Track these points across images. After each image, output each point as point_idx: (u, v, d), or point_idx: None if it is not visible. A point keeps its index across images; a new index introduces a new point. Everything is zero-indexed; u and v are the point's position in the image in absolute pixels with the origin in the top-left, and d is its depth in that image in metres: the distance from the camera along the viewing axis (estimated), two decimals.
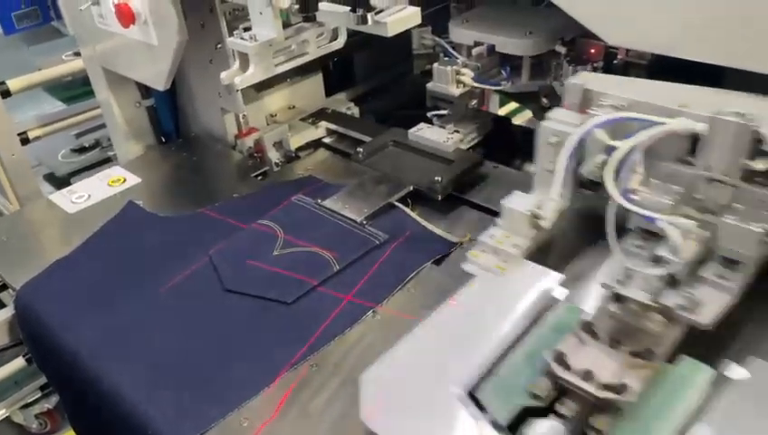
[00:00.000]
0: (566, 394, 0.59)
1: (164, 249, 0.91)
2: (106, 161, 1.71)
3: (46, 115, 1.64)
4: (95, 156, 1.81)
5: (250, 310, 0.79)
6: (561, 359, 0.60)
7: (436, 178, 0.93)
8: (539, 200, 0.76)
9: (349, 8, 0.79)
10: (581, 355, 0.60)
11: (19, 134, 1.48)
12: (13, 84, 1.43)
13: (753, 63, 0.65)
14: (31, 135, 1.52)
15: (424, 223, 0.90)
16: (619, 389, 0.57)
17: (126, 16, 0.98)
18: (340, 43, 0.98)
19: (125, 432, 0.71)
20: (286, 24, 0.88)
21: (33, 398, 1.40)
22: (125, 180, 1.12)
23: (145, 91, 1.23)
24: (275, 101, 1.23)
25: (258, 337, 0.76)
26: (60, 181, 1.73)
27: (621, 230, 0.69)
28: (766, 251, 0.65)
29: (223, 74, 0.90)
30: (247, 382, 0.70)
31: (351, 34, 0.99)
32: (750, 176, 0.64)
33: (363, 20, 0.78)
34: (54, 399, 1.49)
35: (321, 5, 0.83)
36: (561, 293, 0.71)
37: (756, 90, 0.67)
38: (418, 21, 0.80)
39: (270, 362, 0.72)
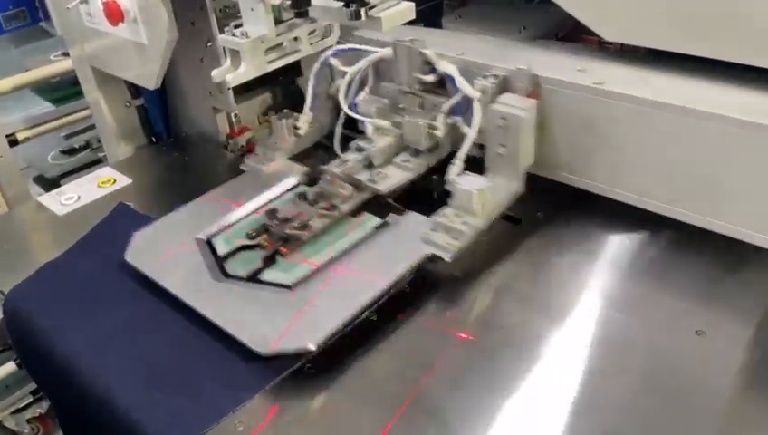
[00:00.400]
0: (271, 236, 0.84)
1: None
2: (96, 162, 1.70)
3: (35, 116, 1.63)
4: (85, 157, 1.79)
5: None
6: (272, 212, 0.86)
7: None
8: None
9: (342, 4, 0.78)
10: (288, 211, 0.87)
11: (7, 136, 1.47)
12: (0, 85, 1.41)
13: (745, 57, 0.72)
14: (20, 136, 1.51)
15: None
16: (300, 227, 0.84)
17: (114, 14, 0.97)
18: (334, 39, 0.97)
19: None
20: (278, 21, 0.87)
21: (25, 402, 1.39)
22: (115, 181, 1.11)
23: (135, 90, 1.22)
24: (268, 99, 1.23)
25: None
26: (50, 183, 1.72)
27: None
28: (433, 140, 0.92)
29: (214, 72, 0.89)
30: (242, 385, 0.70)
31: None
32: (428, 88, 0.93)
33: (357, 15, 0.77)
34: (46, 403, 1.47)
35: (314, 1, 0.82)
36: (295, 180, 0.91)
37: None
38: (412, 16, 0.80)
39: (266, 363, 0.71)
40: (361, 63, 0.97)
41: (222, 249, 0.85)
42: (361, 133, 0.99)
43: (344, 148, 1.00)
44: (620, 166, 0.82)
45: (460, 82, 0.87)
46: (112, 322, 0.79)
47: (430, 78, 0.91)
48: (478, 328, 0.75)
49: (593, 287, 0.79)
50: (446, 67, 0.89)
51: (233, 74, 0.87)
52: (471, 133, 0.86)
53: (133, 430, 0.67)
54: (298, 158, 1.06)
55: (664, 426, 0.62)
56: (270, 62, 0.91)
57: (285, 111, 1.07)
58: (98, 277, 0.87)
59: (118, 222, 0.98)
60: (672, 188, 0.79)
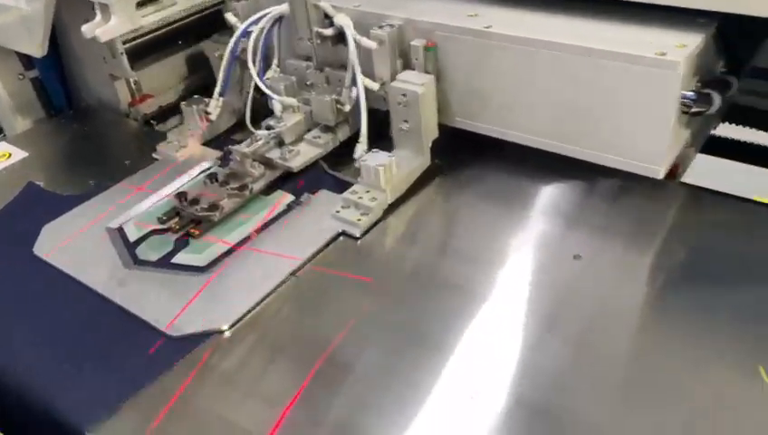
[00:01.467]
0: (182, 218, 0.86)
1: None
2: None
3: None
4: None
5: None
6: (181, 195, 0.88)
7: None
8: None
9: None
10: (198, 192, 0.88)
11: None
12: None
13: None
14: None
15: None
16: (210, 208, 0.85)
17: None
18: None
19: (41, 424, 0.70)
20: None
21: None
22: (10, 155, 1.07)
23: (27, 61, 1.16)
24: (181, 67, 1.20)
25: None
26: None
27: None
28: (342, 116, 0.94)
29: (84, 27, 0.86)
30: (158, 360, 0.70)
31: None
32: (331, 40, 0.91)
33: None
34: None
35: None
36: (210, 163, 0.95)
37: None
38: None
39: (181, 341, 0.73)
40: (264, 21, 0.95)
41: (133, 236, 0.85)
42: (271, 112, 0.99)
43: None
44: (510, 107, 0.85)
45: (354, 34, 0.87)
46: (28, 310, 0.79)
47: (329, 32, 0.90)
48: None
49: (483, 224, 0.84)
50: (342, 20, 0.88)
51: (102, 29, 0.84)
52: (362, 97, 0.88)
53: (50, 407, 0.67)
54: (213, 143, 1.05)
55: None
56: (144, 16, 0.89)
57: (196, 96, 1.05)
58: (8, 269, 0.85)
59: (25, 203, 0.95)
60: (557, 125, 0.82)
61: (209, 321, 0.73)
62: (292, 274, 0.78)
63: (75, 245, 0.85)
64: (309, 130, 0.97)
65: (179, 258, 0.82)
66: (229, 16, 0.99)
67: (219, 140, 1.05)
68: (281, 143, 0.95)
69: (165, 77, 1.18)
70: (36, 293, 0.80)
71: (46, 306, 0.78)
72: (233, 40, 0.97)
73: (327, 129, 0.96)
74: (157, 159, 1.02)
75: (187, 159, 1.00)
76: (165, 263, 0.81)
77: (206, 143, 1.04)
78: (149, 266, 0.81)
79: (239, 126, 1.07)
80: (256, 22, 0.96)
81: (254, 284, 0.77)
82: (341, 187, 0.89)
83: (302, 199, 0.89)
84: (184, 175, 0.93)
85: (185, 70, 1.20)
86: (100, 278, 0.80)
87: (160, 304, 0.75)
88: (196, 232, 0.84)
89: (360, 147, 0.89)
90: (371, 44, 0.86)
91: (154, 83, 1.16)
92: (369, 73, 0.88)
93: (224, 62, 0.99)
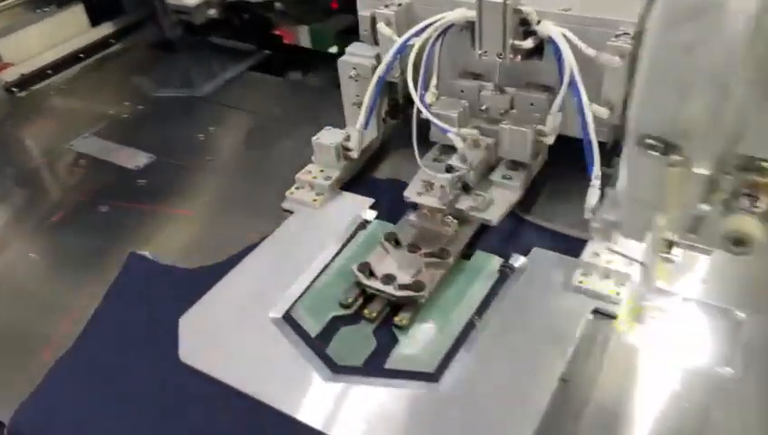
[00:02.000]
0: (373, 300, 0.65)
1: None
2: None
3: None
4: None
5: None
6: (365, 268, 0.66)
7: None
8: (348, 133, 0.81)
9: None
10: (385, 263, 0.68)
11: None
12: None
13: None
14: None
15: None
16: (416, 287, 0.64)
17: None
18: None
19: None
20: None
21: None
22: None
23: None
24: (33, 35, 1.15)
25: None
26: None
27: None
28: (538, 150, 0.75)
29: None
30: None
31: None
32: (524, 54, 0.68)
33: None
34: None
35: None
36: (370, 214, 0.77)
37: None
38: None
39: None
40: (428, 31, 0.71)
41: (311, 327, 0.64)
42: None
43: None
44: None
45: (580, 44, 0.64)
46: None
47: (528, 43, 0.67)
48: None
49: None
50: (551, 29, 0.65)
51: None
52: (590, 128, 0.65)
53: None
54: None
55: None
56: None
57: (327, 128, 0.82)
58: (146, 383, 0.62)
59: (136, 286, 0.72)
60: None
61: None
62: (562, 379, 0.58)
63: (233, 345, 0.63)
64: (492, 169, 0.77)
65: (396, 362, 0.60)
66: (383, 27, 0.76)
67: (360, 183, 0.84)
68: (464, 187, 0.74)
69: (28, 45, 1.14)
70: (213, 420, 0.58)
71: None
72: (388, 56, 0.74)
73: (516, 165, 0.76)
74: (288, 211, 0.80)
75: (327, 211, 0.79)
76: (376, 368, 0.60)
77: (344, 186, 0.83)
78: (354, 375, 0.59)
79: (375, 159, 0.87)
80: (418, 33, 0.74)
81: (514, 398, 0.57)
82: (542, 240, 0.71)
83: (513, 262, 0.69)
84: (341, 233, 0.74)
85: (47, 38, 1.16)
86: (292, 399, 0.58)
87: None
88: (405, 321, 0.63)
89: (594, 192, 0.68)
90: (613, 60, 0.65)
91: (15, 52, 1.13)
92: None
93: (371, 86, 0.76)
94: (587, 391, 0.57)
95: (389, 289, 0.64)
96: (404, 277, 0.65)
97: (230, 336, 0.64)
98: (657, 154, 0.47)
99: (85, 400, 0.60)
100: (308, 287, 0.68)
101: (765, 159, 0.46)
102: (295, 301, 0.67)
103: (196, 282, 0.69)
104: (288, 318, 0.65)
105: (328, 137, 0.81)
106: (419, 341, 0.62)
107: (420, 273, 0.66)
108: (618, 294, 0.64)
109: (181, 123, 1.01)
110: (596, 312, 0.63)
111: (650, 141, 0.47)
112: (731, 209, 0.47)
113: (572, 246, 0.69)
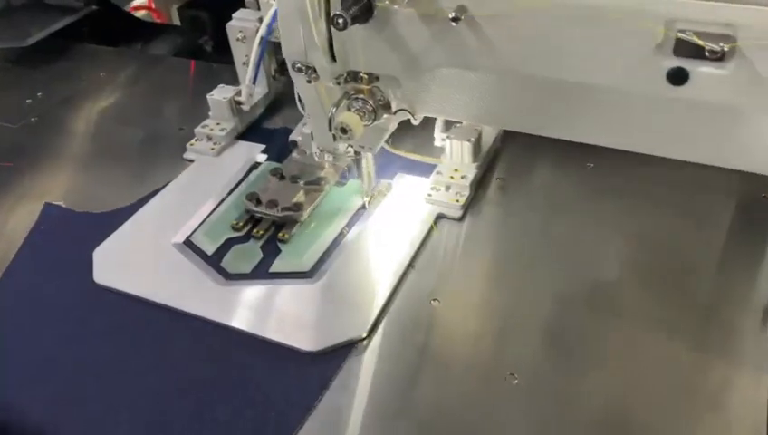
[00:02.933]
0: (260, 222, 0.79)
1: None
2: None
3: None
4: None
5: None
6: (252, 197, 0.79)
7: None
8: (239, 89, 0.93)
9: None
10: (269, 192, 0.80)
11: None
12: None
13: None
14: None
15: None
16: (295, 208, 0.78)
17: None
18: None
19: None
20: None
21: None
22: None
23: None
24: None
25: None
26: None
27: None
28: None
29: None
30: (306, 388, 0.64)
31: None
32: None
33: None
34: None
35: None
36: (261, 157, 0.90)
37: None
38: None
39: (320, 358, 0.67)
40: None
41: (208, 248, 0.76)
42: None
43: None
44: None
45: None
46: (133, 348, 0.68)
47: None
48: None
49: None
50: None
51: None
52: None
53: None
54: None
55: None
56: None
57: (221, 85, 0.95)
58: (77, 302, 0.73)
59: (52, 231, 0.83)
60: None
61: (344, 331, 0.66)
62: (410, 265, 0.73)
63: (142, 267, 0.75)
64: None
65: (278, 266, 0.74)
66: None
67: (254, 133, 0.97)
68: None
69: None
70: (127, 327, 0.70)
71: (151, 340, 0.69)
72: (267, 18, 0.85)
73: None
74: (190, 161, 0.92)
75: (224, 157, 0.92)
76: (262, 273, 0.73)
77: (240, 136, 0.95)
78: (244, 280, 0.73)
79: (269, 112, 1.00)
80: None
81: (371, 282, 0.71)
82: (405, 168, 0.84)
83: (380, 186, 0.83)
84: (235, 174, 0.87)
85: None
86: (193, 302, 0.71)
87: (284, 322, 0.68)
88: (286, 235, 0.77)
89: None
90: None
91: None
92: None
93: (255, 46, 0.88)
94: (429, 274, 0.72)
95: (273, 211, 0.78)
96: (285, 202, 0.79)
97: (138, 260, 0.76)
98: (302, 75, 0.64)
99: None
100: (206, 218, 0.80)
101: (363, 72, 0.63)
102: (195, 229, 0.79)
103: (108, 222, 0.81)
104: (188, 243, 0.77)
105: (221, 93, 0.93)
106: (299, 249, 0.76)
107: (300, 198, 0.80)
108: (457, 201, 0.78)
109: None
110: (440, 216, 0.78)
111: (297, 66, 0.64)
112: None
113: (426, 170, 0.83)
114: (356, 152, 0.75)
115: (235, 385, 0.63)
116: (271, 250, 0.76)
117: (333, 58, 0.62)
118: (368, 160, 0.77)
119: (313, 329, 0.67)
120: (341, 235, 0.77)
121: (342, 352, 0.65)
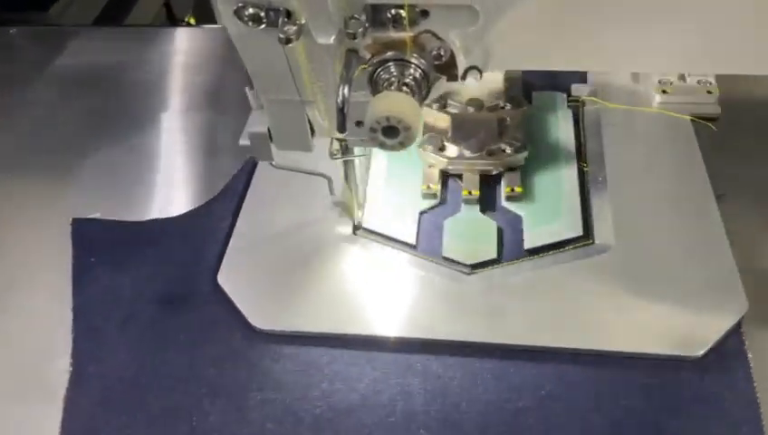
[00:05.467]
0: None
1: None
2: None
3: None
4: None
5: None
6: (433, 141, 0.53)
7: None
8: None
9: None
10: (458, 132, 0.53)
11: None
12: None
13: None
14: None
15: None
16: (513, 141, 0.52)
17: None
18: None
19: None
20: None
21: None
22: None
23: None
24: None
25: None
26: None
27: None
28: None
29: None
30: None
31: None
32: None
33: None
34: None
35: None
36: None
37: None
38: None
39: None
40: None
41: (406, 235, 0.49)
42: None
43: None
44: None
45: None
46: None
47: None
48: None
49: None
50: None
51: None
52: None
53: None
54: None
55: None
56: None
57: None
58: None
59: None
60: None
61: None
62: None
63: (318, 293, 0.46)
64: None
65: (534, 237, 0.48)
66: None
67: None
68: None
69: None
70: None
71: None
72: None
73: None
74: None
75: None
76: (515, 252, 0.48)
77: None
78: (493, 270, 0.46)
79: None
80: None
81: None
82: None
83: None
84: None
85: None
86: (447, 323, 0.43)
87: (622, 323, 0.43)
88: (519, 189, 0.50)
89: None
90: None
91: None
92: None
93: None
94: None
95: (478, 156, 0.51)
96: (487, 139, 0.51)
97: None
98: (260, 26, 0.33)
99: None
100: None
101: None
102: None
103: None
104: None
105: None
106: (546, 205, 0.50)
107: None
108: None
109: None
110: None
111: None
112: None
113: None
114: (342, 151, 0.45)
115: None
116: (500, 216, 0.49)
117: None
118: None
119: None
120: (586, 172, 0.51)
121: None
